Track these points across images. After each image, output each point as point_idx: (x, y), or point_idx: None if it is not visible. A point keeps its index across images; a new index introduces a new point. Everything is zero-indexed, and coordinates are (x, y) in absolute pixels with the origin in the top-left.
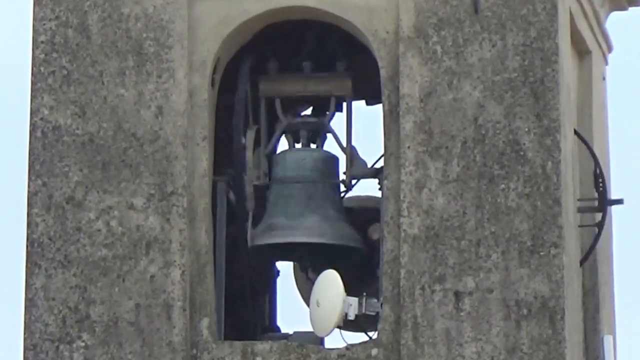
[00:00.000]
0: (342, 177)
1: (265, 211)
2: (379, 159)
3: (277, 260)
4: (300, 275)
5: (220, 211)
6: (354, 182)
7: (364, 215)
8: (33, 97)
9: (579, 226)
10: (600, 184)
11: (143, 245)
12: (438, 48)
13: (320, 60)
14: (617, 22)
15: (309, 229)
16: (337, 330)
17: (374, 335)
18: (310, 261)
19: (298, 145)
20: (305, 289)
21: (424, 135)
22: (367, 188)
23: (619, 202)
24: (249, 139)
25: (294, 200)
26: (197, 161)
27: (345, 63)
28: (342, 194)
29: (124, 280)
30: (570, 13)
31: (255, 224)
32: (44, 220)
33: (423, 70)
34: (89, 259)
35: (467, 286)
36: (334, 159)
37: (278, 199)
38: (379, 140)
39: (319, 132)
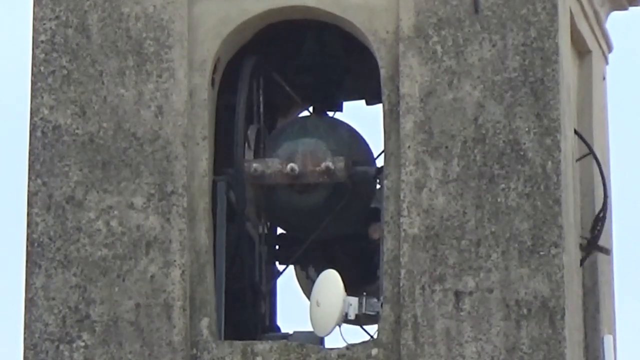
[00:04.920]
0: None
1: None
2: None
3: (277, 261)
4: (301, 275)
5: (220, 211)
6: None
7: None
8: (33, 97)
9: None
10: (597, 229)
11: (143, 245)
12: (438, 48)
13: (321, 60)
14: (617, 22)
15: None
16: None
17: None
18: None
19: None
20: (307, 289)
21: (424, 135)
22: None
23: (607, 251)
24: (249, 139)
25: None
26: (197, 161)
27: (345, 65)
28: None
29: (124, 280)
30: (570, 13)
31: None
32: (44, 220)
33: (423, 70)
34: (89, 258)
35: (467, 286)
36: (337, 186)
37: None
38: (379, 140)
39: None
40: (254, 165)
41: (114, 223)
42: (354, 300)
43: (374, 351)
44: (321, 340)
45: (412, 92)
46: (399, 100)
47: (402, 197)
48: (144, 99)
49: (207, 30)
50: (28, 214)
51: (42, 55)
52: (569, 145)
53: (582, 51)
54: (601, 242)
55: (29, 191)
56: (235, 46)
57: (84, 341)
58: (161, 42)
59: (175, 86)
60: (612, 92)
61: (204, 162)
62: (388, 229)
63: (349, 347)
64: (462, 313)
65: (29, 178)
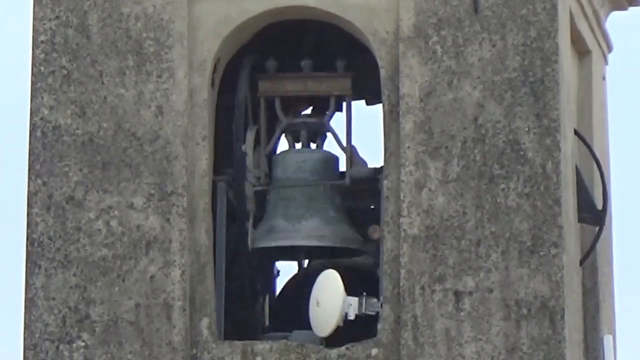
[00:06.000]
0: (343, 175)
1: (265, 212)
2: None
3: (277, 260)
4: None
5: (220, 211)
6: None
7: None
8: (33, 97)
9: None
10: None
11: (143, 245)
12: (438, 48)
13: (320, 60)
14: (617, 22)
15: (310, 232)
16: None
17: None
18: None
19: (298, 145)
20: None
21: (424, 135)
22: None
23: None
24: (249, 139)
25: (295, 203)
26: (197, 161)
27: (345, 63)
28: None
29: (124, 280)
30: (570, 13)
31: (255, 224)
32: (44, 220)
33: (423, 70)
34: (89, 258)
35: (467, 286)
36: (334, 159)
37: (278, 201)
38: (379, 140)
39: (318, 131)
40: None
41: (114, 223)
42: (354, 300)
43: (374, 351)
44: (321, 341)
45: (412, 92)
46: (399, 100)
47: (402, 197)
48: (144, 99)
49: (207, 30)
50: (28, 214)
51: (42, 55)
52: (569, 145)
53: (582, 51)
54: (601, 242)
55: (29, 191)
56: (235, 46)
57: (84, 341)
58: (161, 42)
59: (175, 86)
60: (612, 92)
61: (204, 162)
62: (388, 229)
63: (349, 347)
64: (462, 313)
65: (29, 178)
